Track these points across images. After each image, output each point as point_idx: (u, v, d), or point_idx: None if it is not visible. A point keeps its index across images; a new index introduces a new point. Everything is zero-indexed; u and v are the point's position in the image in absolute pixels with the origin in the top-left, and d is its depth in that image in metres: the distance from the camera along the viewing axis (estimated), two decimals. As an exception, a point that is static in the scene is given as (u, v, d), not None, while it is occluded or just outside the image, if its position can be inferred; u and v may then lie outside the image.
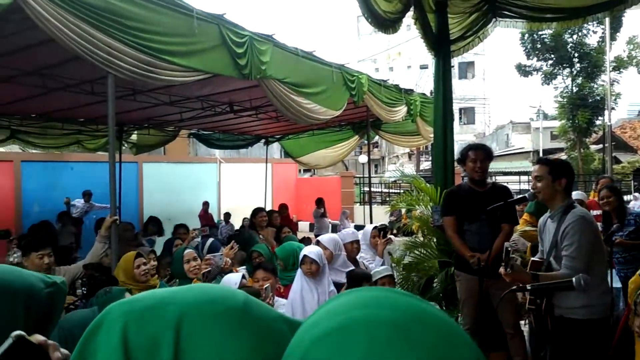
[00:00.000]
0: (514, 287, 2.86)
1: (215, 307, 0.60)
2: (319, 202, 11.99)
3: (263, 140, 12.37)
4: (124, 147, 10.04)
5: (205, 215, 12.41)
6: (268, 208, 12.35)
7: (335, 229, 13.17)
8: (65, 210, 9.21)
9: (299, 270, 3.77)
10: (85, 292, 3.52)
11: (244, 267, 4.75)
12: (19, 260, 4.16)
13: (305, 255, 3.74)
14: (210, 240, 5.30)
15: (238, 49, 4.77)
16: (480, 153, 4.09)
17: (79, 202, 9.87)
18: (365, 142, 10.56)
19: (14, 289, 1.03)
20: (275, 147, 16.38)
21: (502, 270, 2.99)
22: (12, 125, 7.92)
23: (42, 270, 3.82)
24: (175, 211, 12.71)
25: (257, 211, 7.20)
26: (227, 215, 12.27)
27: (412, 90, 8.98)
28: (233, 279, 3.48)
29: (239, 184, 15.51)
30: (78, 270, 4.17)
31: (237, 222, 12.20)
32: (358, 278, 3.80)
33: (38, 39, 4.49)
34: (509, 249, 2.94)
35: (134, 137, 10.11)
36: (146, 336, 0.58)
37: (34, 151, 9.39)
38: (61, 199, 10.52)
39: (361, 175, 21.40)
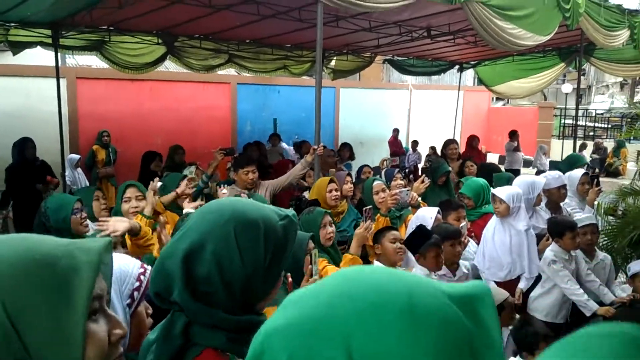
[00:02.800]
0: None
1: (383, 317, 0.53)
2: (513, 135, 11.29)
3: (457, 67, 11.88)
4: (323, 73, 10.51)
5: (394, 141, 12.61)
6: (457, 138, 12.07)
7: (528, 164, 12.40)
8: (276, 133, 10.06)
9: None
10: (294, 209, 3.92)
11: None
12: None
13: (493, 194, 3.65)
14: (384, 171, 5.21)
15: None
16: None
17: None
18: (571, 69, 9.48)
19: (255, 219, 1.09)
20: (469, 74, 15.64)
21: None
22: (230, 50, 8.78)
23: (247, 183, 4.35)
24: (367, 136, 13.15)
25: (448, 142, 7.08)
26: (415, 143, 12.31)
27: (637, 12, 7.70)
28: (428, 214, 3.56)
29: (428, 112, 15.29)
30: (279, 184, 4.67)
31: (424, 151, 12.21)
32: (561, 225, 3.59)
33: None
34: None
35: (332, 62, 10.51)
36: None
37: (246, 74, 10.35)
38: (269, 119, 11.60)
39: (562, 106, 19.48)
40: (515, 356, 2.89)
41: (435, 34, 8.33)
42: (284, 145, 9.82)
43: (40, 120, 8.33)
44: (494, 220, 3.70)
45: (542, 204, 4.24)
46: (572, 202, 4.46)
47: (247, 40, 8.79)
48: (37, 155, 6.57)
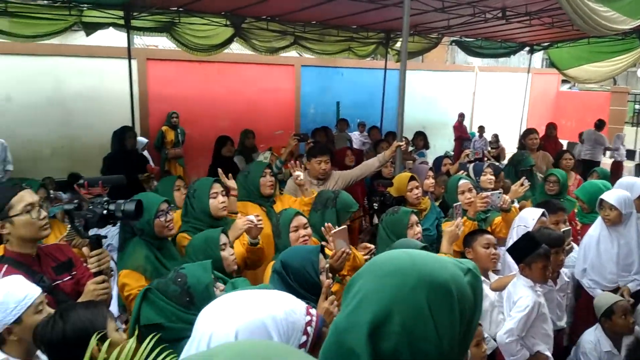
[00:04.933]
0: None
1: None
2: (600, 124, 10.51)
3: (527, 49, 11.29)
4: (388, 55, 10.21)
5: (459, 126, 12.20)
6: (523, 123, 11.54)
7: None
8: (343, 118, 9.87)
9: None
10: (376, 207, 3.73)
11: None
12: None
13: (601, 199, 3.35)
14: (472, 165, 4.89)
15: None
16: None
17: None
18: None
19: (446, 281, 0.91)
20: (537, 56, 14.92)
21: None
22: (295, 32, 8.64)
23: (319, 174, 4.18)
24: (430, 120, 12.77)
25: (528, 132, 6.64)
26: (481, 129, 11.87)
27: None
28: (531, 215, 3.31)
29: (494, 95, 14.71)
30: (351, 177, 4.47)
31: (490, 137, 11.76)
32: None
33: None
34: None
35: (398, 44, 10.19)
36: None
37: (310, 56, 10.20)
38: (332, 102, 11.44)
39: (637, 91, 18.35)
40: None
41: (510, 15, 7.90)
42: (355, 134, 9.61)
43: (111, 100, 8.52)
44: (598, 226, 3.41)
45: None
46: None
47: (313, 22, 8.61)
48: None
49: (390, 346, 0.87)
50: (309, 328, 1.04)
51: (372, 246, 3.16)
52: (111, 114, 8.59)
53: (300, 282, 2.16)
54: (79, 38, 8.37)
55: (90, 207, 2.16)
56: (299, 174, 3.88)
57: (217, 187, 3.12)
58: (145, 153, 7.97)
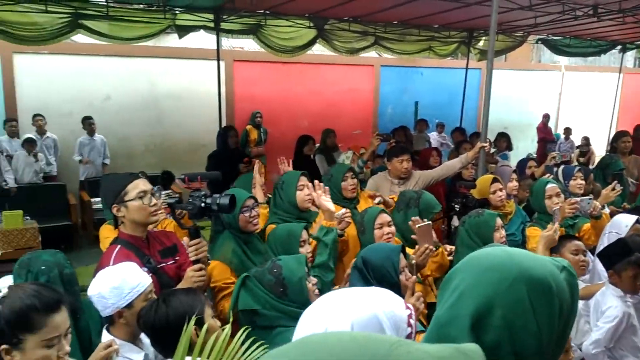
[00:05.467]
0: None
1: None
2: None
3: (619, 47, 10.67)
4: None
5: (544, 128, 11.73)
6: (613, 125, 10.91)
7: None
8: (423, 118, 9.83)
9: None
10: (457, 209, 3.72)
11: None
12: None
13: None
14: (561, 168, 4.63)
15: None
16: None
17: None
18: None
19: (545, 277, 0.93)
20: (629, 55, 14.03)
21: None
22: (376, 32, 8.68)
23: (401, 173, 4.19)
24: (512, 121, 12.38)
25: (620, 134, 6.30)
26: (568, 131, 11.36)
27: None
28: (624, 221, 3.19)
29: (582, 96, 13.98)
30: (432, 177, 4.43)
31: (577, 139, 11.22)
32: None
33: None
34: None
35: (481, 43, 9.97)
36: None
37: (389, 56, 10.20)
38: (410, 102, 11.37)
39: None
40: None
41: (602, 12, 7.52)
42: (434, 135, 9.53)
43: (200, 100, 8.98)
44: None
45: None
46: None
47: (394, 22, 8.62)
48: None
49: (492, 338, 0.90)
50: (411, 320, 1.08)
51: (452, 247, 3.17)
52: (199, 113, 9.06)
53: (379, 279, 2.18)
54: (170, 40, 8.87)
55: (190, 200, 2.32)
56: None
57: (303, 180, 3.21)
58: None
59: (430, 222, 2.95)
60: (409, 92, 11.46)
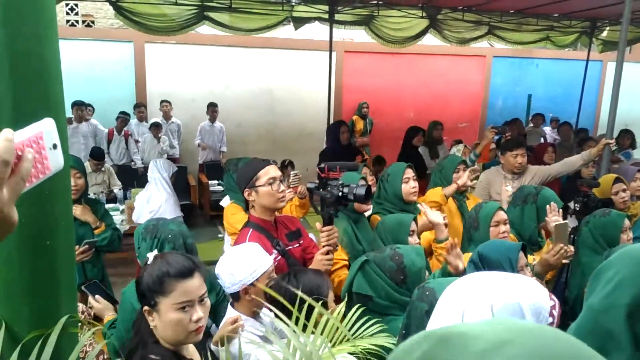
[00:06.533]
0: None
1: None
2: None
3: None
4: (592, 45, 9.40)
5: (673, 126, 10.73)
6: None
7: None
8: (539, 112, 9.41)
9: None
10: (578, 208, 3.58)
11: None
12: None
13: None
14: None
15: None
16: None
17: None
18: None
19: None
20: None
21: None
22: (491, 21, 8.41)
23: (515, 168, 4.08)
24: (635, 117, 11.44)
25: None
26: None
27: None
28: None
29: None
30: (550, 173, 4.25)
31: None
32: None
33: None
34: None
35: (604, 33, 9.30)
36: None
37: (503, 47, 9.84)
38: (523, 95, 10.89)
39: None
40: None
41: None
42: (547, 130, 9.11)
43: (311, 90, 9.25)
44: None
45: None
46: None
47: (511, 11, 8.30)
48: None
49: None
50: (554, 311, 1.06)
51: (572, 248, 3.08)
52: (309, 103, 9.36)
53: (495, 276, 2.20)
54: (285, 32, 9.21)
55: (329, 188, 2.44)
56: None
57: (409, 173, 3.22)
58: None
59: (567, 221, 2.90)
60: (521, 84, 10.98)
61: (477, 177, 4.60)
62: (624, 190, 3.70)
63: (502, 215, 2.90)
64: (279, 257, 2.50)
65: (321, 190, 2.48)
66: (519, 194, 3.40)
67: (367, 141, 8.54)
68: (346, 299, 2.08)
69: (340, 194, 2.40)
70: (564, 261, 2.93)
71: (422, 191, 3.74)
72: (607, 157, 4.03)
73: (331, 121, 8.20)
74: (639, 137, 10.19)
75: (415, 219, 2.83)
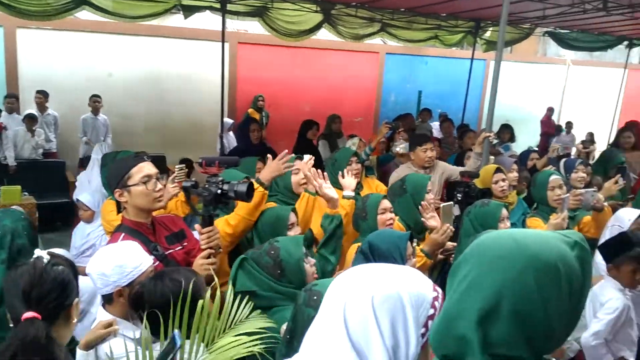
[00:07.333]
0: None
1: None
2: None
3: (625, 43, 10.59)
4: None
5: (547, 121, 11.71)
6: (616, 121, 10.89)
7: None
8: (427, 108, 9.74)
9: None
10: (459, 198, 3.69)
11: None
12: (404, 151, 4.67)
13: None
14: (563, 160, 4.58)
15: None
16: None
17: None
18: None
19: (553, 261, 0.92)
20: (635, 51, 13.91)
21: None
22: (383, 19, 8.60)
23: (425, 162, 4.19)
24: (515, 114, 12.34)
25: (622, 130, 6.27)
26: (569, 125, 11.35)
27: None
28: (627, 215, 3.19)
29: (586, 90, 13.94)
30: (452, 174, 4.37)
31: (578, 134, 11.21)
32: None
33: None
34: None
35: (487, 33, 9.89)
36: None
37: (394, 44, 10.13)
38: (414, 91, 11.32)
39: None
40: None
41: (612, 6, 7.45)
42: (436, 125, 9.49)
43: (203, 82, 8.92)
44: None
45: None
46: None
47: (402, 9, 8.54)
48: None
49: (502, 330, 0.90)
50: (436, 302, 1.06)
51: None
52: (201, 95, 9.02)
53: (385, 265, 2.21)
54: (175, 20, 8.80)
55: (206, 185, 2.25)
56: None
57: (298, 164, 3.18)
58: (231, 134, 8.30)
59: (452, 202, 3.09)
60: (412, 81, 11.41)
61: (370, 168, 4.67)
62: (503, 180, 3.87)
63: (387, 203, 2.99)
64: (157, 262, 2.25)
65: (199, 188, 2.31)
66: (391, 191, 3.49)
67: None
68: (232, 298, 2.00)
69: (219, 191, 2.24)
70: (450, 243, 3.02)
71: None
72: (486, 149, 4.21)
73: (225, 114, 7.96)
74: (520, 133, 11.10)
75: (294, 210, 2.83)
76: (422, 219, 3.08)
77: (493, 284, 0.92)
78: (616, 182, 3.81)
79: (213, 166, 2.31)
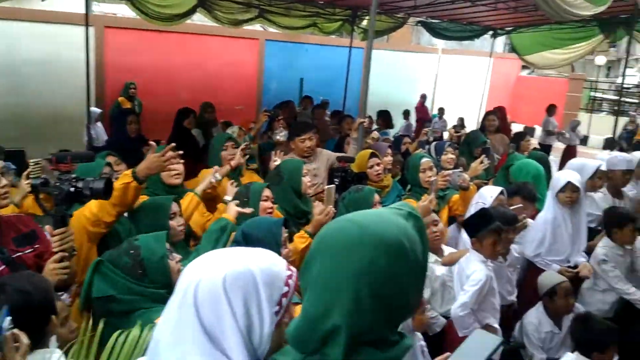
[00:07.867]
0: None
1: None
2: (551, 109, 10.86)
3: (490, 33, 11.43)
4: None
5: (421, 108, 12.32)
6: (483, 106, 11.74)
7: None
8: (308, 95, 9.72)
9: (552, 197, 3.51)
10: (337, 182, 3.70)
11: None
12: (284, 139, 4.57)
13: (569, 182, 3.44)
14: (433, 144, 4.85)
15: None
16: None
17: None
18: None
19: (396, 238, 0.95)
20: (499, 41, 15.15)
21: None
22: (261, 5, 8.45)
23: (305, 152, 4.15)
24: (393, 101, 12.83)
25: (487, 114, 6.77)
26: (441, 111, 12.03)
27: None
28: (489, 193, 3.38)
29: (456, 78, 14.89)
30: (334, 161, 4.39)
31: (450, 119, 11.92)
32: (622, 217, 3.41)
33: None
34: None
35: (364, 22, 10.11)
36: None
37: (274, 31, 10.03)
38: (295, 78, 11.31)
39: (594, 79, 19.01)
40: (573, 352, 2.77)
41: (478, -4, 7.97)
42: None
43: (66, 68, 8.21)
44: (552, 208, 3.51)
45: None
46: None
47: (279, -5, 8.46)
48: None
49: (366, 318, 0.92)
50: (289, 281, 1.08)
51: None
52: (66, 82, 8.29)
53: (261, 252, 2.16)
54: (33, 2, 7.99)
55: (57, 183, 2.04)
56: (277, 161, 3.76)
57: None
58: (99, 124, 7.71)
59: (333, 185, 3.11)
60: (294, 68, 11.41)
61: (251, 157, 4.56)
62: (377, 165, 3.95)
63: (269, 192, 2.98)
64: (3, 266, 2.01)
65: (48, 186, 2.06)
66: (268, 179, 3.47)
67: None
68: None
69: (72, 189, 2.03)
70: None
71: (196, 173, 3.72)
72: (361, 135, 4.27)
73: (92, 103, 7.40)
74: (399, 119, 11.57)
75: (176, 200, 2.73)
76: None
77: (348, 277, 0.92)
78: (481, 162, 4.04)
79: (65, 162, 2.11)
